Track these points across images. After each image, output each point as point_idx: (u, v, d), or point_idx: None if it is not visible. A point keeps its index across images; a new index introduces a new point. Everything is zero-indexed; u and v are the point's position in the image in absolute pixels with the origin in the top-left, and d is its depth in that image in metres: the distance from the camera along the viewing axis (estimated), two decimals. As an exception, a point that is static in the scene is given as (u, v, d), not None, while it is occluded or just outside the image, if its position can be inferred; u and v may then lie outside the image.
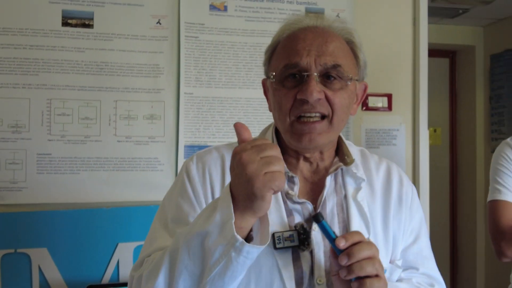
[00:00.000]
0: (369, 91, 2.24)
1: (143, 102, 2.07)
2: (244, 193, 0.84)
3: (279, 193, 1.06)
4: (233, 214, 0.84)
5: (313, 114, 1.02)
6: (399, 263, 1.13)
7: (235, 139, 0.94)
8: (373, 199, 1.13)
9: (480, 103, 4.65)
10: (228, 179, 1.08)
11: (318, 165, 1.13)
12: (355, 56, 1.11)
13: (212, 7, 2.15)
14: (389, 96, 2.36)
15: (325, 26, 1.08)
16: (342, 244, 0.89)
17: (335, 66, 1.02)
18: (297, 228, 1.02)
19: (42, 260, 1.92)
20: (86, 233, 1.95)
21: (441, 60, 4.92)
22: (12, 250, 1.90)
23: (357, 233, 0.94)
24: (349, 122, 2.28)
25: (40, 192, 1.96)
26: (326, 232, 0.91)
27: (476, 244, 4.67)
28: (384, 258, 1.08)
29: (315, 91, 0.99)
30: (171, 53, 2.10)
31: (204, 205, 1.07)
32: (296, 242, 1.00)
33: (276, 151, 0.84)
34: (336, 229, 1.07)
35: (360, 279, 0.88)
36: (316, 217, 0.91)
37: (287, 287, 0.99)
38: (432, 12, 4.00)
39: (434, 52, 4.74)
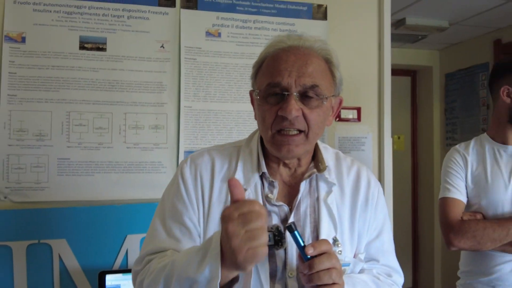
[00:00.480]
0: (342, 104, 2.33)
1: (149, 114, 2.08)
2: (229, 258, 0.83)
3: (260, 195, 1.08)
4: (220, 274, 0.84)
5: (292, 129, 1.02)
6: (362, 256, 1.13)
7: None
8: (342, 200, 1.13)
9: (437, 114, 4.71)
10: (216, 183, 1.09)
11: (296, 170, 1.13)
12: (332, 75, 1.10)
13: (208, 33, 2.17)
14: (359, 109, 2.40)
15: (307, 47, 1.06)
16: (310, 251, 0.92)
17: (313, 87, 1.02)
18: (272, 230, 1.00)
19: (62, 250, 1.92)
20: (99, 226, 1.96)
21: (404, 79, 4.98)
22: (36, 241, 1.91)
23: (325, 242, 0.96)
24: (325, 131, 2.30)
25: (60, 191, 1.97)
26: (297, 240, 0.94)
27: (433, 235, 4.71)
28: (349, 253, 1.10)
29: (294, 109, 0.99)
30: (173, 73, 2.12)
31: (195, 206, 1.08)
32: (271, 242, 0.99)
33: (260, 222, 0.82)
34: (308, 228, 1.08)
35: (319, 286, 0.92)
36: (290, 228, 0.93)
37: (262, 280, 1.00)
38: (396, 38, 4.06)
39: (398, 71, 4.81)
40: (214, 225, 1.07)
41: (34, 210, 1.93)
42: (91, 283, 1.93)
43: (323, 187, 1.12)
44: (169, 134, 2.10)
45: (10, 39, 1.96)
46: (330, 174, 1.14)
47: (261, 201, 1.07)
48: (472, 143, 1.91)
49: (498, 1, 3.18)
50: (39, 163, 1.96)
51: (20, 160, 1.94)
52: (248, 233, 0.80)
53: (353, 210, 1.14)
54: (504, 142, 1.84)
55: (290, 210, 1.08)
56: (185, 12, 2.15)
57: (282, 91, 1.02)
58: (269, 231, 1.00)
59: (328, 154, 1.18)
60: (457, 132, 4.41)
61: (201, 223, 1.09)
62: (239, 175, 1.09)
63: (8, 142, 1.94)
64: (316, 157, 1.15)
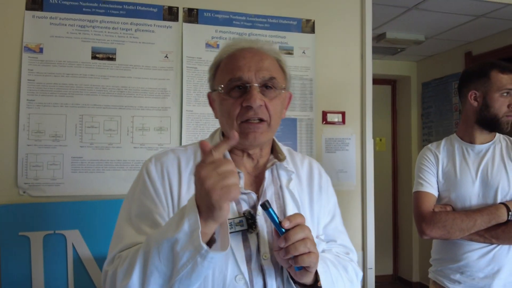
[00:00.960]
0: (328, 109, 2.32)
1: (154, 118, 2.04)
2: (205, 204, 0.78)
3: None
4: (200, 224, 0.78)
5: (256, 119, 1.00)
6: (323, 237, 1.12)
7: None
8: (301, 187, 1.11)
9: (414, 119, 4.69)
10: (184, 178, 1.02)
11: (258, 161, 1.09)
12: (283, 71, 1.09)
13: (208, 45, 2.14)
14: (343, 113, 2.36)
15: (258, 47, 1.05)
16: (287, 225, 0.88)
17: (271, 78, 1.01)
18: (245, 214, 0.98)
19: (75, 239, 1.88)
20: (109, 218, 1.91)
21: (385, 87, 4.96)
22: (51, 232, 1.87)
23: (299, 215, 0.92)
24: (312, 132, 2.27)
25: (73, 186, 1.93)
26: (271, 217, 0.89)
27: (412, 227, 4.67)
28: (313, 232, 1.05)
29: (258, 99, 0.97)
30: (176, 80, 2.08)
31: (164, 202, 1.00)
32: (245, 226, 0.97)
33: (231, 166, 0.78)
34: (275, 209, 1.04)
35: (296, 256, 0.88)
36: (264, 205, 0.88)
37: (239, 264, 0.95)
38: (378, 51, 4.04)
39: (379, 81, 4.79)
40: None
41: (50, 203, 1.89)
42: (101, 269, 1.88)
43: (283, 175, 1.10)
44: (172, 135, 2.06)
45: (29, 49, 1.92)
46: (288, 164, 1.12)
47: None
48: (443, 142, 1.90)
49: (468, 17, 3.15)
50: (54, 161, 1.92)
51: (37, 159, 1.90)
52: (221, 174, 0.76)
53: (311, 196, 1.13)
54: (472, 141, 1.82)
55: (258, 198, 1.04)
56: (187, 26, 2.11)
57: (244, 84, 0.99)
58: (241, 216, 0.98)
59: (282, 148, 1.15)
60: (432, 134, 4.38)
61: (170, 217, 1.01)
62: None
63: (27, 142, 1.90)
64: (274, 149, 1.13)
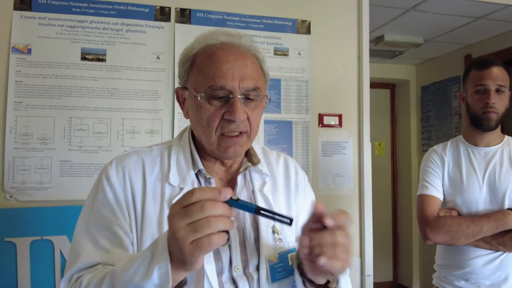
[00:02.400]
0: (324, 111, 2.27)
1: (145, 120, 2.00)
2: (176, 256, 0.69)
3: None
4: (170, 278, 0.68)
5: (236, 132, 0.92)
6: None
7: None
8: (276, 189, 1.05)
9: (414, 123, 4.66)
10: (149, 184, 0.94)
11: (231, 166, 1.02)
12: (262, 71, 0.98)
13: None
14: (340, 116, 2.32)
15: (238, 44, 0.94)
16: (329, 222, 0.77)
17: (255, 89, 0.92)
18: None
19: (63, 246, 1.83)
20: (98, 223, 1.88)
21: (384, 91, 4.93)
22: (38, 237, 1.82)
23: (344, 213, 0.81)
24: (308, 135, 2.23)
25: (62, 191, 1.88)
26: (272, 213, 0.75)
27: (412, 232, 4.63)
28: (291, 237, 1.00)
29: (242, 112, 0.89)
30: (167, 82, 2.04)
31: (125, 212, 0.91)
32: None
33: (203, 212, 0.66)
34: (248, 219, 0.97)
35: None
36: (257, 211, 0.74)
37: (210, 278, 0.87)
38: (376, 54, 4.01)
39: (378, 84, 4.76)
40: (151, 229, 0.91)
41: (37, 208, 1.85)
42: (89, 277, 1.83)
43: (257, 179, 1.03)
44: (163, 138, 2.01)
45: (16, 50, 1.88)
46: (263, 166, 1.05)
47: None
48: (449, 144, 1.86)
49: (467, 19, 3.12)
50: (42, 165, 1.88)
51: (25, 162, 1.86)
52: (191, 225, 0.66)
53: (288, 197, 1.06)
54: (476, 143, 1.79)
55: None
56: (179, 26, 2.07)
57: (227, 94, 0.90)
58: None
59: (256, 149, 1.08)
60: (432, 139, 4.34)
61: (133, 229, 0.92)
62: (173, 174, 0.96)
63: (14, 145, 1.86)
64: (248, 152, 1.05)
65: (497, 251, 1.65)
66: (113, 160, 0.98)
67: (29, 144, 1.87)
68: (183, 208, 0.67)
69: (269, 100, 1.00)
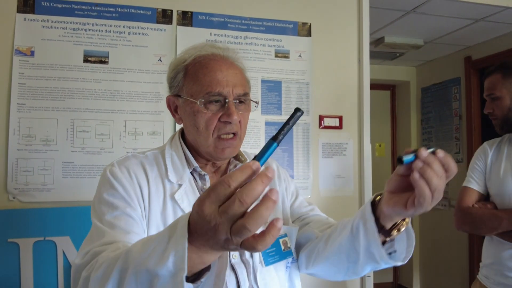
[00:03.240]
0: (325, 113, 2.29)
1: (147, 122, 2.02)
2: (207, 236, 0.58)
3: (196, 189, 1.04)
4: (186, 265, 0.59)
5: (230, 134, 1.01)
6: (292, 221, 1.14)
7: None
8: None
9: (414, 124, 4.66)
10: (151, 180, 1.00)
11: (220, 167, 1.12)
12: (246, 80, 1.09)
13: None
14: (340, 118, 2.33)
15: (229, 56, 1.05)
16: (424, 153, 0.73)
17: (245, 94, 1.03)
18: None
19: (66, 246, 1.85)
20: (100, 224, 1.89)
21: (384, 92, 4.94)
22: (41, 238, 1.84)
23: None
24: (309, 137, 2.25)
25: (64, 192, 1.90)
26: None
27: (412, 233, 4.64)
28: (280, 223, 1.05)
29: (237, 114, 0.99)
30: (169, 84, 2.06)
31: (136, 201, 0.96)
32: None
33: (245, 206, 0.55)
34: None
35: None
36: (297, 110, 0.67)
37: (210, 265, 0.86)
38: (376, 56, 4.03)
39: (378, 86, 4.77)
40: (156, 221, 0.98)
41: (40, 209, 1.86)
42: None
43: None
44: (165, 140, 1.99)
45: (20, 52, 1.90)
46: None
47: (198, 194, 1.03)
48: (499, 139, 1.91)
49: (467, 21, 3.14)
50: (45, 166, 1.89)
51: (28, 164, 1.88)
52: (234, 229, 0.57)
53: (273, 186, 1.14)
54: None
55: None
56: (181, 29, 2.09)
57: (223, 100, 1.00)
58: None
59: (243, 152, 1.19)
60: (432, 140, 4.35)
61: (144, 220, 0.97)
62: (171, 173, 1.04)
63: (17, 147, 1.87)
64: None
65: None
66: (113, 162, 1.04)
67: (32, 145, 1.88)
68: (221, 207, 0.57)
69: (257, 104, 1.10)
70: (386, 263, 0.88)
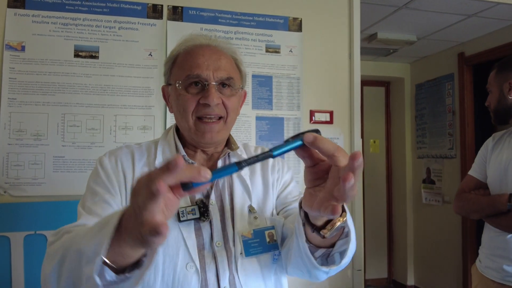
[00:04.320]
0: (315, 108, 2.30)
1: (137, 116, 2.03)
2: (133, 231, 0.59)
3: None
4: (103, 250, 0.62)
5: (212, 116, 1.01)
6: (279, 214, 1.11)
7: None
8: (254, 171, 1.13)
9: (408, 120, 4.68)
10: (137, 169, 1.03)
11: (212, 155, 1.11)
12: (239, 70, 1.09)
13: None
14: (331, 113, 2.35)
15: (215, 45, 1.06)
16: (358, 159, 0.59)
17: (228, 78, 1.03)
18: (197, 203, 0.99)
19: (57, 240, 1.87)
20: (91, 218, 1.91)
21: (378, 89, 4.95)
22: (32, 232, 1.85)
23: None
24: (299, 131, 2.26)
25: (55, 186, 1.91)
26: (288, 145, 0.65)
27: (406, 229, 4.66)
28: (268, 215, 1.08)
29: (215, 97, 0.99)
30: (160, 78, 2.06)
31: (117, 188, 0.99)
32: (197, 214, 0.98)
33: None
34: (227, 199, 1.05)
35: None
36: (239, 164, 0.63)
37: (191, 252, 0.95)
38: (370, 52, 4.04)
39: (372, 82, 4.79)
40: None
41: (31, 203, 1.87)
42: (82, 270, 1.86)
43: None
44: (156, 134, 2.04)
45: (10, 47, 1.91)
46: (242, 152, 1.15)
47: None
48: (505, 131, 1.95)
49: (460, 17, 3.15)
50: (36, 161, 1.90)
51: (18, 158, 1.89)
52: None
53: (265, 177, 1.13)
54: None
55: (211, 187, 1.06)
56: (172, 24, 2.10)
57: (203, 82, 1.01)
58: (194, 205, 0.99)
59: (237, 141, 1.18)
60: (426, 136, 4.37)
61: (123, 206, 0.97)
62: (159, 161, 1.06)
63: (8, 141, 1.88)
64: (229, 142, 1.15)
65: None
66: (106, 152, 1.07)
67: (23, 140, 1.89)
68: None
69: (245, 93, 1.12)
70: (319, 269, 0.82)
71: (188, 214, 0.97)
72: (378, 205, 4.89)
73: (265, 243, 1.04)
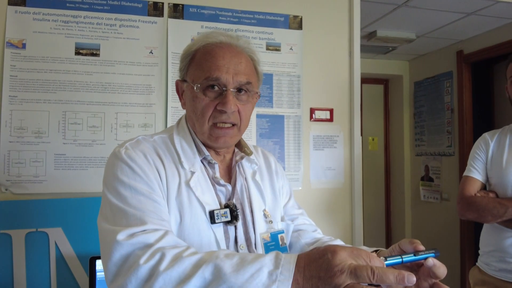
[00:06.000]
0: (316, 106, 2.31)
1: (139, 114, 2.02)
2: (315, 274, 0.66)
3: (207, 177, 1.03)
4: None
5: (227, 122, 1.01)
6: (286, 219, 1.18)
7: None
8: (262, 176, 1.17)
9: (407, 118, 4.68)
10: (166, 164, 0.98)
11: (225, 156, 1.12)
12: (256, 71, 1.08)
13: (193, 40, 2.12)
14: (331, 110, 2.35)
15: (236, 45, 1.03)
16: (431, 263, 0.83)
17: (247, 83, 1.02)
18: (230, 206, 1.00)
19: (58, 237, 1.86)
20: (92, 216, 1.89)
21: (377, 86, 4.95)
22: (34, 229, 1.85)
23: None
24: (300, 129, 2.27)
25: (56, 184, 1.91)
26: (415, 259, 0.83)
27: (405, 226, 4.68)
28: (278, 219, 1.13)
29: (233, 104, 0.98)
30: (161, 76, 2.06)
31: (156, 185, 0.93)
32: (228, 217, 0.98)
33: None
34: (246, 203, 1.07)
35: None
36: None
37: None
38: (369, 50, 4.04)
39: (371, 80, 4.79)
40: (172, 208, 0.95)
41: (32, 201, 1.87)
42: (84, 267, 1.87)
43: (248, 167, 1.14)
44: (157, 132, 2.03)
45: (11, 45, 1.90)
46: (255, 157, 1.17)
47: (209, 182, 1.04)
48: (499, 131, 1.94)
49: (459, 15, 3.15)
50: (37, 158, 1.90)
51: (20, 156, 1.89)
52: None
53: (271, 181, 1.18)
54: None
55: (232, 189, 1.07)
56: (172, 21, 2.10)
57: (221, 87, 0.99)
58: (226, 208, 1.00)
59: (247, 142, 1.21)
60: (424, 133, 4.38)
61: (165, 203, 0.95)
62: (184, 160, 1.02)
63: (9, 139, 1.88)
64: (239, 144, 1.16)
65: None
66: (124, 144, 0.99)
67: (24, 137, 1.89)
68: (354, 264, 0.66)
69: (259, 96, 1.10)
70: None
71: (221, 216, 0.98)
72: (377, 202, 4.90)
73: (279, 246, 1.08)
